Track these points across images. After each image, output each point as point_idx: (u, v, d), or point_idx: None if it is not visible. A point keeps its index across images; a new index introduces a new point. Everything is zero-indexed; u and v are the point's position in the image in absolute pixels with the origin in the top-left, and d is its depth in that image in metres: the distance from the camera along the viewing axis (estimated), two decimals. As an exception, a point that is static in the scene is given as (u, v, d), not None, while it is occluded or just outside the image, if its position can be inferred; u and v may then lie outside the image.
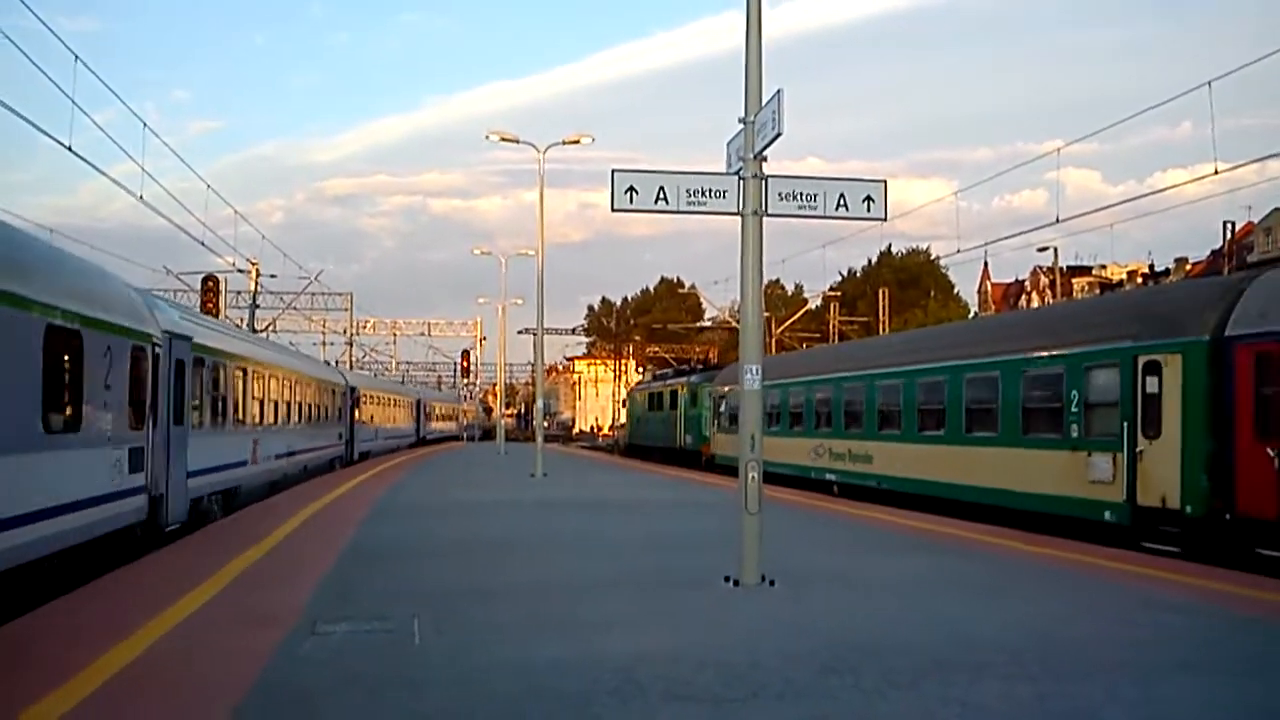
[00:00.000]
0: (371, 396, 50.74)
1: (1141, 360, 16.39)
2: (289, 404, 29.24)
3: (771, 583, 10.51)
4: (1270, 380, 14.33)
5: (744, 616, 9.30)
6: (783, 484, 26.11)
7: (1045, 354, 19.23)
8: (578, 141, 33.18)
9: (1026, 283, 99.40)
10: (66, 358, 12.12)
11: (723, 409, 38.16)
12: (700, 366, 56.01)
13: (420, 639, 8.22)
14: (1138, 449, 16.22)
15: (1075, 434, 17.87)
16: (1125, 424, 16.49)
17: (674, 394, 48.81)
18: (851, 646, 7.99)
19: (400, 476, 31.45)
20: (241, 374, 23.20)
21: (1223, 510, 14.73)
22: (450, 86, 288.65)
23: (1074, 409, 18.01)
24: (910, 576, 11.89)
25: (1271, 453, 13.97)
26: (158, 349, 15.92)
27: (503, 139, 33.24)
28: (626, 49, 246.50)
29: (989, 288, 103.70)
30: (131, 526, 14.52)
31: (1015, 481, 19.51)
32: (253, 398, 24.54)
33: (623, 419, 73.33)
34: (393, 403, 59.55)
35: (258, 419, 24.94)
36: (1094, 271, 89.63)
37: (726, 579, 10.65)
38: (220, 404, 21.33)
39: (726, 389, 36.83)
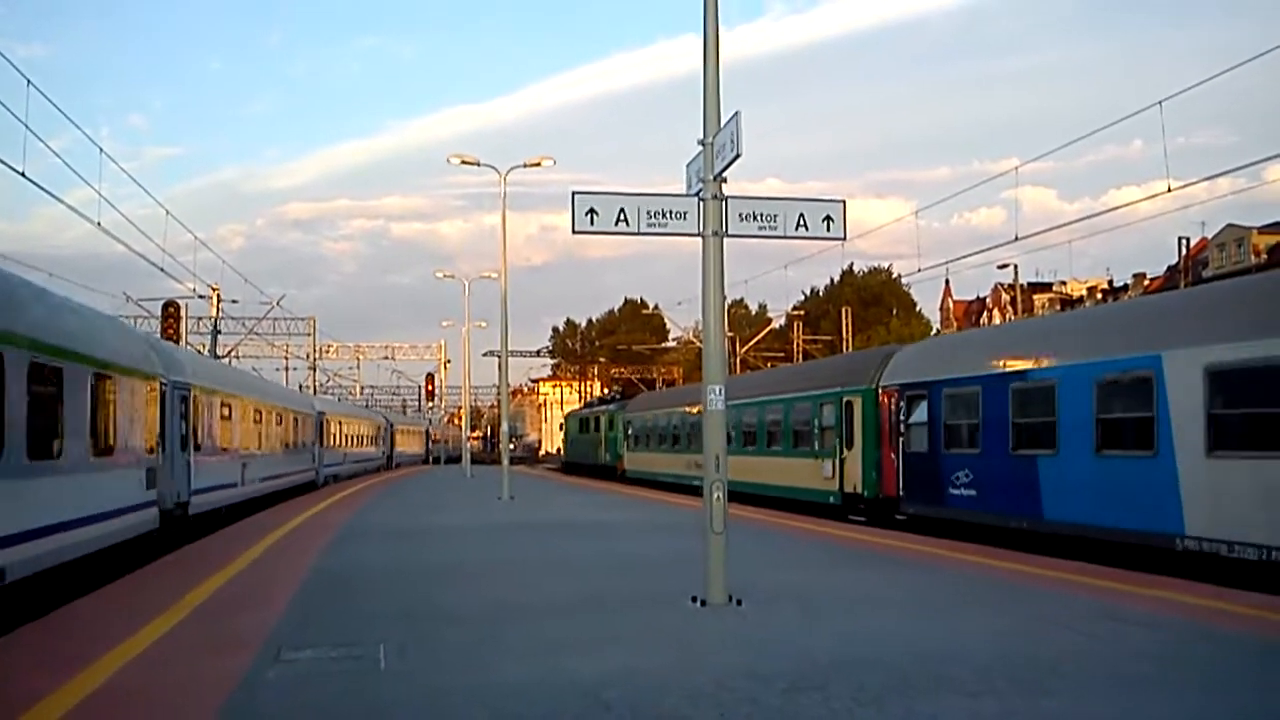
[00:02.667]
0: (340, 422, 52.32)
1: (845, 399, 25.90)
2: (268, 433, 32.41)
3: (738, 602, 10.53)
4: (894, 411, 23.27)
5: (711, 636, 9.32)
6: (663, 489, 37.24)
7: (801, 394, 29.07)
8: (539, 164, 33.21)
9: (988, 299, 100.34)
10: (109, 397, 15.85)
11: (630, 432, 47.92)
12: (618, 396, 65.15)
13: (386, 664, 8.18)
14: (842, 456, 25.88)
15: (817, 447, 27.41)
16: (838, 440, 26.15)
17: (598, 419, 58.25)
18: (819, 664, 8.01)
19: (367, 500, 31.29)
20: (229, 408, 26.54)
21: (880, 493, 23.96)
22: (410, 111, 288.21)
23: (816, 430, 27.61)
24: (873, 592, 11.96)
25: (894, 456, 23.21)
26: (164, 387, 19.54)
27: (464, 162, 33.30)
28: (586, 70, 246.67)
29: (951, 305, 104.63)
30: (150, 533, 17.87)
31: (790, 480, 28.73)
32: (239, 428, 27.73)
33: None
34: (361, 427, 61.19)
35: (244, 446, 28.16)
36: (1054, 288, 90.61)
37: (693, 599, 10.66)
38: (213, 434, 24.69)
39: (634, 415, 47.96)
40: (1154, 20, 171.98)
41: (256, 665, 8.13)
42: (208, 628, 10.03)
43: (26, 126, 22.77)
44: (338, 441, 51.04)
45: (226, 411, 26.27)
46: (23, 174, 22.30)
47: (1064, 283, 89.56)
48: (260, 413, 31.43)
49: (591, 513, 26.09)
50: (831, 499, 25.85)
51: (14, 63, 18.92)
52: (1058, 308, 77.06)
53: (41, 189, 25.20)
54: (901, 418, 22.78)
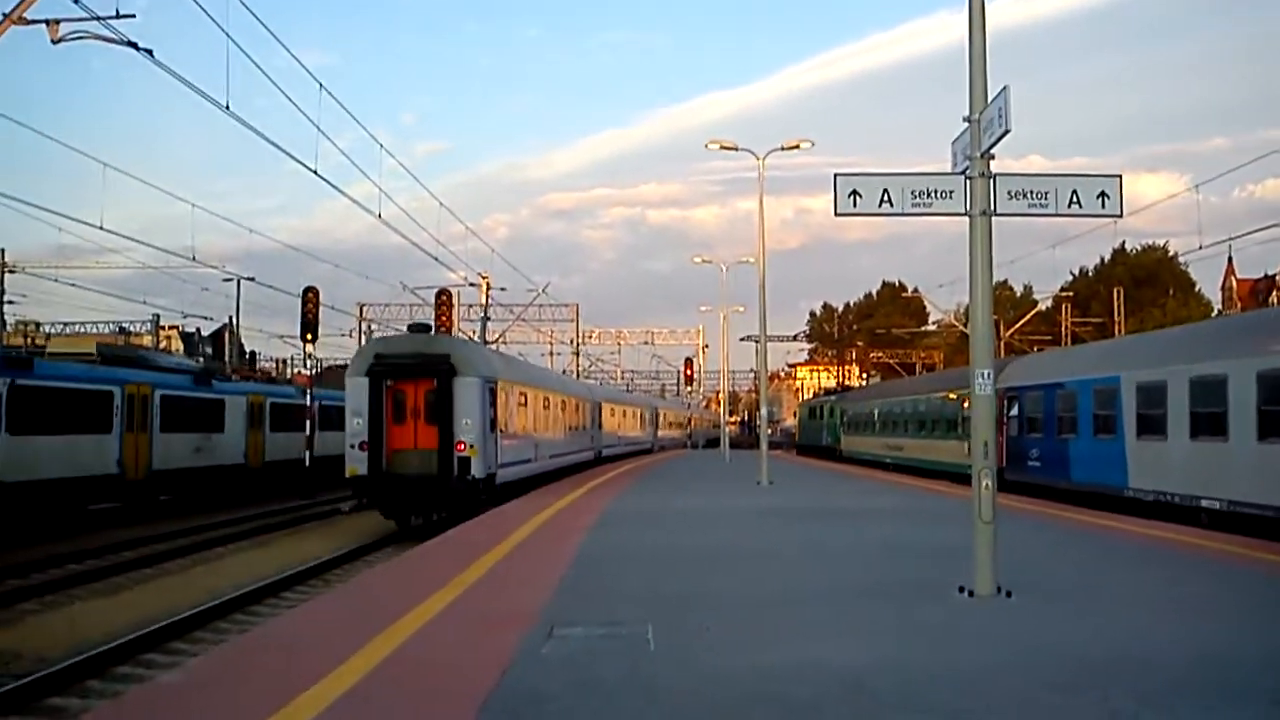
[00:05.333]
0: (613, 408, 57.83)
1: None
2: (555, 418, 37.77)
3: (1008, 594, 10.21)
4: (1002, 407, 28.09)
5: (981, 629, 9.05)
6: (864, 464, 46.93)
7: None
8: (797, 147, 32.91)
9: (1278, 277, 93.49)
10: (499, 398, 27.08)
11: (845, 419, 57.35)
12: (842, 389, 76.89)
13: (654, 644, 8.35)
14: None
15: (960, 433, 32.25)
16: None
17: (823, 409, 67.89)
18: (1095, 662, 7.69)
19: (629, 484, 31.92)
20: (524, 397, 31.82)
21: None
22: (665, 99, 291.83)
23: (959, 421, 33.70)
24: (1150, 590, 11.44)
25: (1001, 439, 26.91)
26: (490, 385, 26.42)
27: (722, 147, 33.41)
28: (841, 51, 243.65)
29: (1235, 284, 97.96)
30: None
31: (941, 456, 35.96)
32: (533, 414, 33.16)
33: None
34: (631, 414, 66.47)
35: (536, 430, 33.68)
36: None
37: (961, 589, 10.40)
38: (513, 420, 29.84)
39: (848, 405, 58.14)
40: None
41: (530, 641, 8.44)
42: (486, 603, 10.50)
43: (318, 128, 24.37)
44: (614, 426, 56.46)
45: (523, 400, 31.51)
46: (314, 171, 23.90)
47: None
48: (549, 400, 36.37)
49: (850, 499, 25.80)
50: (966, 468, 27.22)
51: (309, 69, 20.26)
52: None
53: (329, 184, 26.99)
54: (1007, 411, 29.20)
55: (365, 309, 65.64)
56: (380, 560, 19.77)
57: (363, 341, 57.27)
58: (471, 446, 24.83)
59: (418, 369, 25.13)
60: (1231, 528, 17.35)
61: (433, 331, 32.44)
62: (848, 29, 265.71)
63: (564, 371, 64.86)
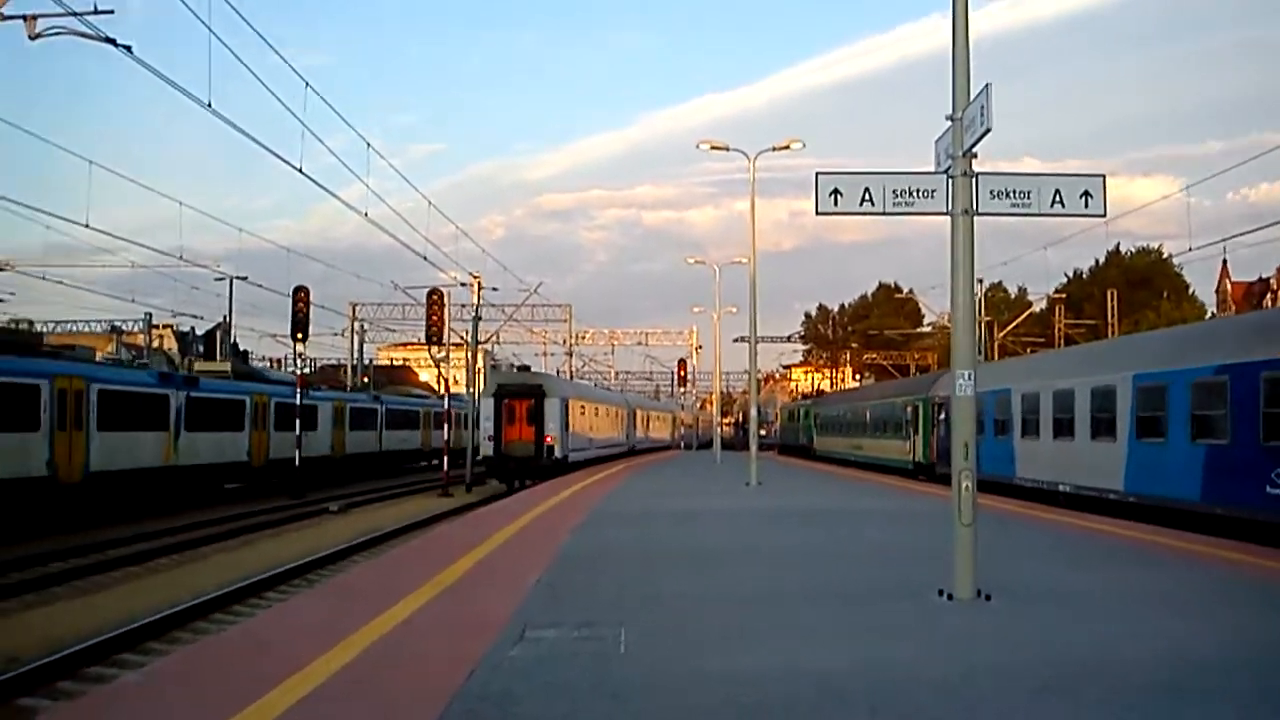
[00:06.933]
0: (643, 415, 75.31)
1: (914, 404, 40.25)
2: (601, 421, 55.58)
3: (988, 597, 10.11)
4: (935, 412, 36.14)
5: (959, 632, 8.96)
6: (833, 462, 53.71)
7: (894, 399, 45.01)
8: (788, 147, 32.83)
9: (1272, 280, 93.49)
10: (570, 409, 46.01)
11: (818, 422, 65.00)
12: (817, 394, 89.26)
13: (626, 648, 8.25)
14: (913, 439, 39.77)
15: (902, 433, 41.47)
16: (911, 429, 40.05)
17: (800, 411, 75.69)
18: (1072, 667, 7.59)
19: (619, 483, 31.91)
20: (582, 407, 49.97)
21: (930, 460, 36.45)
22: (659, 101, 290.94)
23: (903, 422, 41.88)
24: (1125, 591, 11.34)
25: (934, 439, 35.98)
26: (565, 401, 44.49)
27: (713, 148, 33.40)
28: (835, 55, 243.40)
29: (1229, 287, 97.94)
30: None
31: (888, 453, 43.43)
32: (588, 418, 51.05)
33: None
34: (656, 417, 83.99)
35: (589, 430, 51.40)
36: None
37: (940, 592, 10.30)
38: (576, 422, 46.97)
39: (820, 409, 66.49)
40: None
41: (502, 642, 8.34)
42: (462, 603, 10.41)
43: (305, 126, 24.32)
44: (645, 427, 74.43)
45: (582, 410, 49.65)
46: (299, 169, 23.81)
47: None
48: (599, 410, 55.39)
49: (835, 499, 25.83)
50: (909, 465, 39.89)
51: (296, 69, 20.20)
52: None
53: (316, 184, 26.91)
54: (938, 416, 35.32)
55: (358, 308, 65.56)
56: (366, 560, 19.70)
57: (354, 339, 66.36)
58: (555, 439, 42.01)
59: (523, 393, 42.75)
60: (1077, 506, 22.74)
61: (528, 369, 53.06)
62: (844, 32, 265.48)
63: (558, 373, 65.19)
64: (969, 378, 10.49)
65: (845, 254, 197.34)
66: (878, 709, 6.53)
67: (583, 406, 49.35)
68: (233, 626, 12.36)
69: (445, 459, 41.29)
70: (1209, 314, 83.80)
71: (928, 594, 10.36)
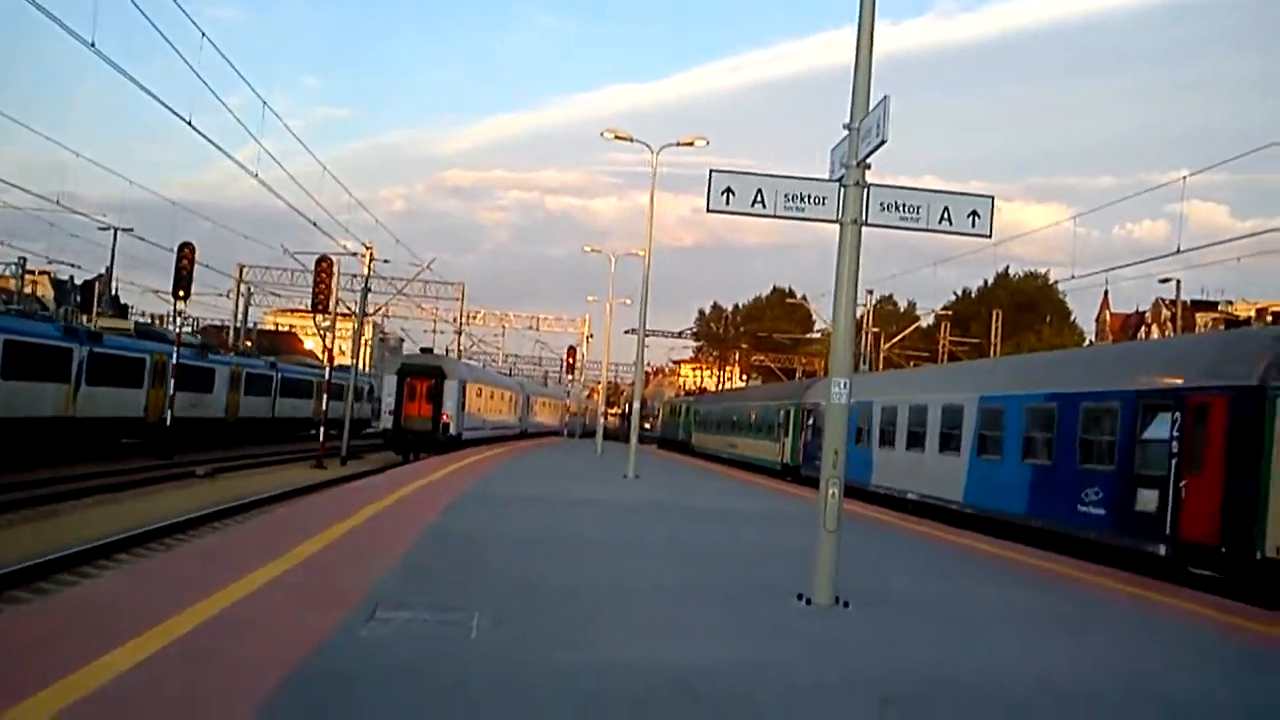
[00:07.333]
0: (536, 401, 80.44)
1: (787, 408, 42.00)
2: (496, 404, 58.90)
3: (845, 604, 10.16)
4: (805, 416, 38.50)
5: (813, 638, 8.97)
6: (708, 458, 55.00)
7: (769, 403, 46.58)
8: (692, 143, 32.75)
9: (1148, 314, 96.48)
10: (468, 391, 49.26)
11: (697, 419, 66.71)
12: (699, 392, 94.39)
13: (477, 633, 8.09)
14: (783, 441, 41.88)
15: (775, 435, 43.18)
16: (783, 432, 41.94)
17: (681, 407, 77.95)
18: (920, 678, 7.65)
19: (496, 467, 31.62)
20: (479, 390, 52.83)
21: (797, 463, 38.56)
22: (572, 86, 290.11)
23: (775, 425, 43.51)
24: (986, 606, 11.53)
25: (803, 443, 38.17)
26: (463, 384, 47.63)
27: (617, 137, 33.17)
28: (751, 58, 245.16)
29: (1108, 317, 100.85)
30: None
31: (760, 453, 45.04)
32: (483, 400, 53.95)
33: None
34: (549, 403, 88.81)
35: (485, 410, 54.70)
36: (1220, 308, 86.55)
37: (799, 596, 10.32)
38: (470, 404, 49.05)
39: (700, 407, 68.82)
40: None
41: (352, 621, 8.13)
42: (319, 577, 10.14)
43: (201, 79, 23.57)
44: (537, 412, 79.24)
45: (479, 393, 52.77)
46: (189, 123, 23.10)
47: (1230, 303, 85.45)
48: (495, 393, 59.28)
49: (713, 498, 25.91)
50: (778, 466, 41.51)
51: (194, 20, 19.59)
52: (1221, 327, 73.53)
53: (207, 139, 26.19)
54: (806, 421, 37.67)
55: (245, 270, 64.03)
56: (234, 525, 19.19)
57: (240, 302, 66.23)
58: (451, 417, 45.37)
59: (425, 373, 45.86)
60: (923, 513, 24.19)
61: (431, 350, 58.64)
62: (762, 34, 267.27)
63: (446, 351, 64.58)
64: (845, 386, 10.54)
65: (745, 255, 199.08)
66: (722, 710, 6.49)
67: (479, 389, 53.19)
68: (61, 593, 11.91)
69: (322, 430, 40.61)
70: (1087, 341, 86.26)
71: (788, 597, 10.38)
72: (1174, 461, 16.32)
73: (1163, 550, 16.19)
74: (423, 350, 57.96)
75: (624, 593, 10.56)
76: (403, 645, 7.54)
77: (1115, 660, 8.93)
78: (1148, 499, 16.73)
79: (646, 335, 38.39)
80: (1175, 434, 16.41)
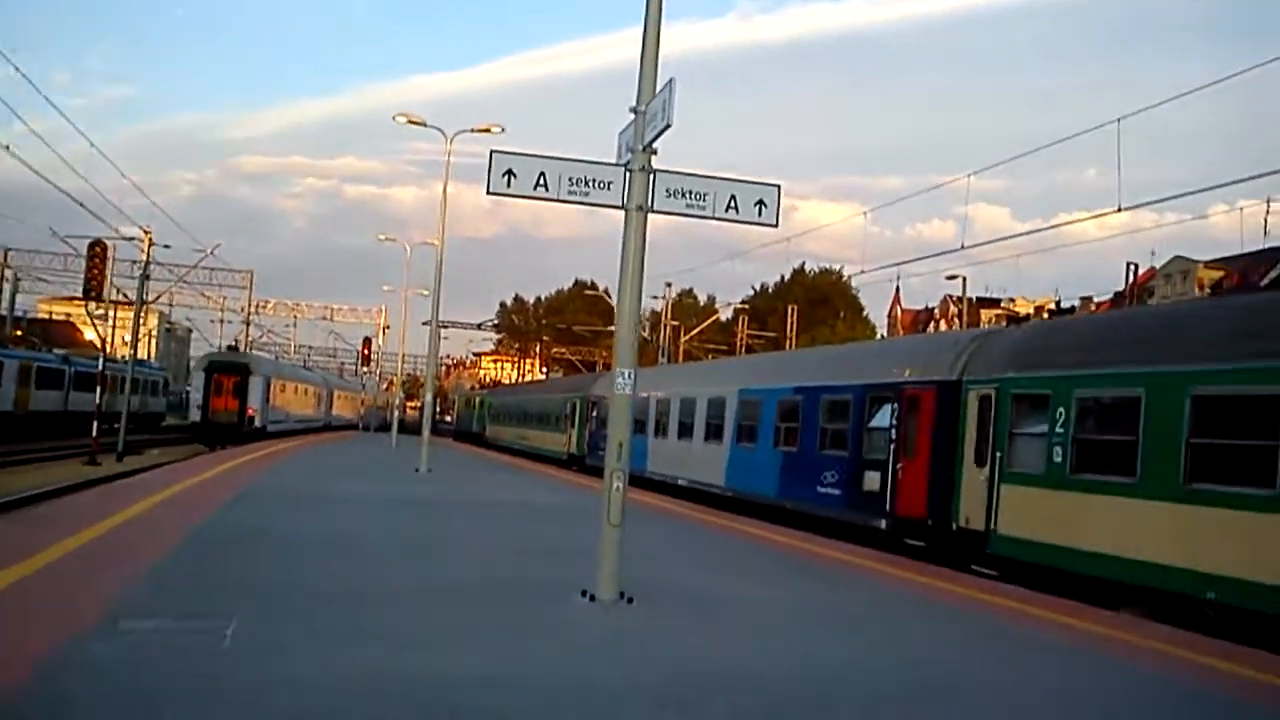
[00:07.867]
0: (339, 393, 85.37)
1: (574, 401, 43.84)
2: (301, 398, 62.97)
3: (629, 600, 9.88)
4: (589, 409, 40.76)
5: (591, 637, 8.67)
6: (501, 450, 57.22)
7: (559, 395, 48.57)
8: (488, 130, 32.09)
9: (936, 310, 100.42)
10: (272, 386, 55.15)
11: (490, 411, 69.67)
12: (494, 384, 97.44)
13: (230, 643, 7.45)
14: (570, 433, 44.36)
15: (562, 427, 45.61)
16: (570, 423, 44.27)
17: (476, 400, 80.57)
18: (697, 678, 7.40)
19: (280, 461, 30.47)
20: (283, 385, 56.71)
21: (582, 453, 40.89)
22: (372, 74, 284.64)
23: (563, 417, 45.65)
24: (772, 600, 11.41)
25: (588, 434, 40.22)
26: (268, 380, 52.18)
27: (410, 122, 32.44)
28: (558, 50, 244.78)
29: (899, 313, 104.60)
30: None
31: (548, 444, 47.48)
32: (288, 395, 57.72)
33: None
34: (349, 397, 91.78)
35: (288, 405, 57.94)
36: (1003, 304, 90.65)
37: (583, 593, 10.00)
38: (276, 398, 52.77)
39: (493, 399, 72.08)
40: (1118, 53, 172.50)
41: (87, 633, 7.37)
42: (57, 584, 9.23)
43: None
44: (338, 405, 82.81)
45: (283, 388, 56.89)
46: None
47: (1012, 300, 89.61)
48: (299, 388, 63.34)
49: (505, 491, 25.57)
50: (565, 456, 43.34)
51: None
52: (1004, 323, 76.93)
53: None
54: (591, 412, 39.12)
55: (8, 254, 60.10)
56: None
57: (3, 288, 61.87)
58: (256, 411, 48.28)
59: (231, 369, 48.94)
60: (690, 497, 25.84)
61: (236, 348, 61.42)
62: (567, 27, 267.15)
63: (235, 341, 62.58)
64: (629, 376, 10.25)
65: (546, 247, 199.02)
66: (484, 713, 6.10)
67: (284, 385, 57.70)
68: None
69: (95, 425, 38.31)
70: (879, 335, 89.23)
71: (571, 594, 10.03)
72: (893, 447, 18.46)
73: (884, 525, 18.32)
74: (228, 348, 60.72)
75: (401, 595, 10.01)
76: (143, 660, 6.83)
77: (891, 652, 8.91)
78: (872, 480, 18.88)
79: (446, 327, 38.15)
80: (894, 423, 18.55)
